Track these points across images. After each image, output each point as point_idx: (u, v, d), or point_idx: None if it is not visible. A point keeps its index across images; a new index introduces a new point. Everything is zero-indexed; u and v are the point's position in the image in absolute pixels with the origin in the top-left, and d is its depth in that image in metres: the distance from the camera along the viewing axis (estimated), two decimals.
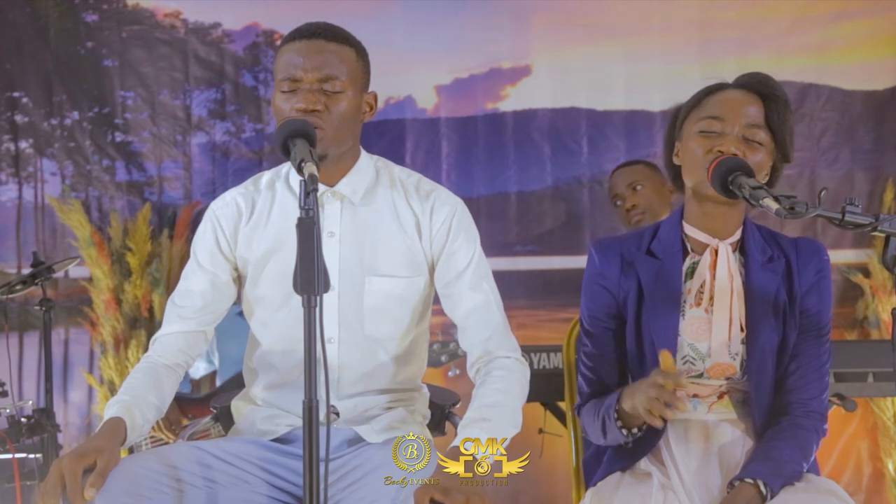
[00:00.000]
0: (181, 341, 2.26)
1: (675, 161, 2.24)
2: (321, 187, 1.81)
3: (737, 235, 2.22)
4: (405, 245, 2.24)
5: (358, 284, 2.22)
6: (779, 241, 2.24)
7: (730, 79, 2.23)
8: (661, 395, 1.97)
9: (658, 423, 2.01)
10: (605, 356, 2.23)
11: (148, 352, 2.28)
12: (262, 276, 2.26)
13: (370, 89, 2.26)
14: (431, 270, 2.28)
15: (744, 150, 2.10)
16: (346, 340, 2.22)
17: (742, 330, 2.16)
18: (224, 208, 2.29)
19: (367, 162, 2.29)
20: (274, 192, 2.28)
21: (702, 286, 2.18)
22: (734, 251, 2.21)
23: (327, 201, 2.22)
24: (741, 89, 2.18)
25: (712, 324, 2.15)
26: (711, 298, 2.17)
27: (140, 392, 2.13)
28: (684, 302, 2.18)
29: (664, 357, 2.00)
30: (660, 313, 2.14)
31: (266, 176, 2.32)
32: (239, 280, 2.31)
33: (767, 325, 2.16)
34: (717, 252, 2.19)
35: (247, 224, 2.27)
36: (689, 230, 2.22)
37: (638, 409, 2.02)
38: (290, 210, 2.23)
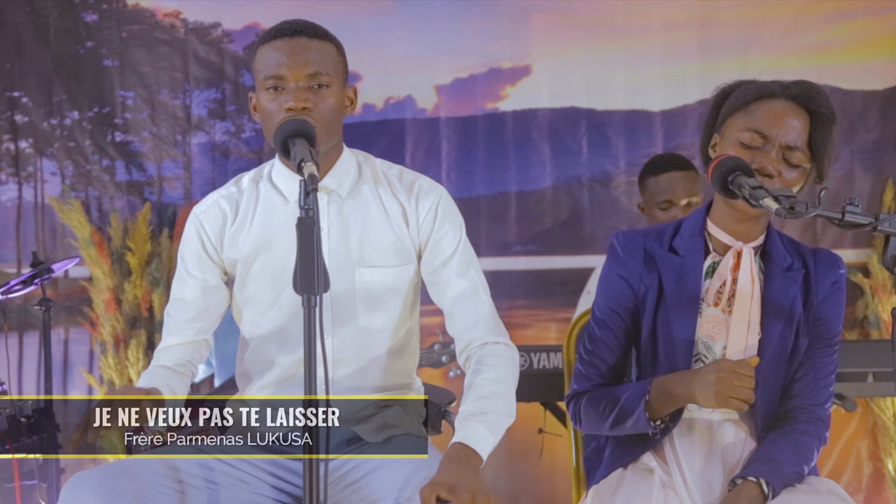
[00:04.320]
0: (183, 352, 2.27)
1: (711, 154, 2.19)
2: None
3: (760, 240, 2.20)
4: (393, 234, 2.24)
5: (349, 277, 2.22)
6: (800, 250, 2.23)
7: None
8: (748, 383, 2.02)
9: (744, 408, 2.06)
10: (611, 345, 2.23)
11: (151, 362, 2.29)
12: (249, 274, 2.25)
13: (352, 85, 2.27)
14: (419, 258, 2.28)
15: (780, 169, 2.08)
16: (340, 335, 2.22)
17: (758, 333, 2.16)
18: (207, 212, 2.27)
19: (350, 156, 2.29)
20: (257, 191, 2.27)
21: (721, 286, 2.17)
22: (755, 255, 2.20)
23: None
24: (791, 102, 2.12)
25: (731, 326, 2.15)
26: (730, 299, 2.17)
27: (158, 379, 2.15)
28: (702, 300, 2.18)
29: (752, 360, 2.08)
30: (678, 311, 2.13)
31: (247, 176, 2.31)
32: (229, 284, 2.30)
33: (781, 331, 2.16)
34: (740, 254, 2.17)
35: (232, 225, 2.26)
36: (714, 230, 2.20)
37: (711, 395, 2.04)
38: (275, 208, 2.24)
